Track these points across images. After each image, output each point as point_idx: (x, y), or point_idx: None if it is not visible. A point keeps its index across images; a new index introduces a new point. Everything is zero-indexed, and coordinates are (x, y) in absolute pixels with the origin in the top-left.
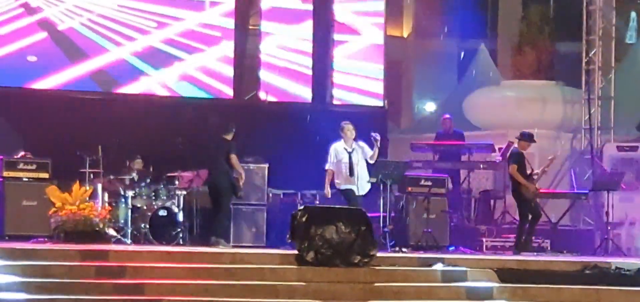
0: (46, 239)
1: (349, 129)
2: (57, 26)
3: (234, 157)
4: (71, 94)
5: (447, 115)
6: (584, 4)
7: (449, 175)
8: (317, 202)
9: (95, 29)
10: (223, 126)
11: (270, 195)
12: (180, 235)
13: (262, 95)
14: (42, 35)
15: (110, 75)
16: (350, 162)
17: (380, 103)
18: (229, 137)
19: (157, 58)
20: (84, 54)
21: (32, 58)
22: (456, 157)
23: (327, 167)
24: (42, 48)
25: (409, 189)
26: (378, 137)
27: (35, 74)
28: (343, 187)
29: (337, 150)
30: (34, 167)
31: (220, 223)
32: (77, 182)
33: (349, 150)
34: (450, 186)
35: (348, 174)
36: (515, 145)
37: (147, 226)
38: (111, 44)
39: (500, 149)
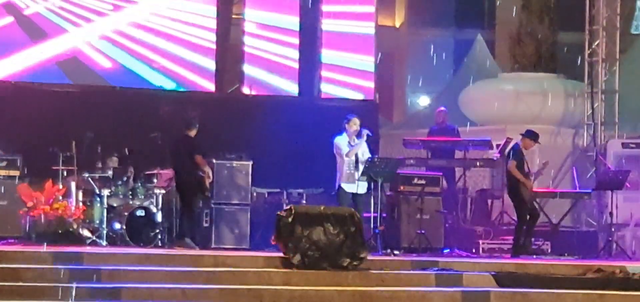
0: (17, 241)
1: (356, 123)
2: (23, 11)
3: (198, 158)
4: (42, 86)
5: (442, 108)
6: None
7: (444, 173)
8: (304, 201)
9: (65, 16)
10: (185, 121)
11: (254, 194)
12: (159, 236)
13: (246, 89)
14: (8, 20)
15: (82, 63)
16: (356, 157)
17: (371, 97)
18: (192, 133)
19: (133, 47)
20: (56, 44)
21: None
22: (450, 154)
23: (345, 154)
24: (7, 34)
25: (401, 187)
26: (370, 134)
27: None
28: (349, 189)
29: (342, 144)
30: (3, 164)
31: (186, 224)
32: (50, 180)
33: (353, 145)
34: (444, 184)
35: (354, 170)
36: (519, 141)
37: (124, 227)
38: (82, 31)
39: (498, 145)
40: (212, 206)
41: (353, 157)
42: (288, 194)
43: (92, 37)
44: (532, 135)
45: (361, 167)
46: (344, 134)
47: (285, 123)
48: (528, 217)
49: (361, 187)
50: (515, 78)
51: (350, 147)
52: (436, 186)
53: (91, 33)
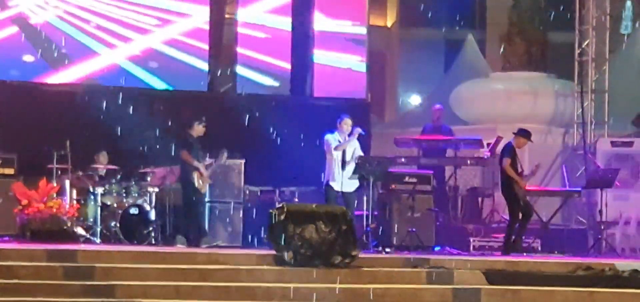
0: (11, 239)
1: (347, 123)
2: (29, 19)
3: (182, 153)
4: (37, 85)
5: (438, 106)
6: None
7: (435, 171)
8: (296, 199)
9: (67, 19)
10: (186, 119)
11: (247, 192)
12: (152, 234)
13: (238, 88)
14: (13, 29)
15: (79, 64)
16: (343, 157)
17: (362, 96)
18: (192, 131)
19: (128, 47)
20: (54, 45)
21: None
22: (442, 153)
23: (334, 148)
24: (11, 40)
25: (393, 186)
26: (363, 133)
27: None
28: (336, 187)
29: (332, 141)
30: None
31: (181, 221)
32: (44, 178)
33: (347, 141)
34: (434, 183)
35: (340, 168)
36: (512, 139)
37: (118, 225)
38: (81, 34)
39: (488, 144)
40: (206, 203)
41: (340, 154)
42: (280, 192)
43: (92, 43)
44: (524, 134)
45: (349, 166)
46: (336, 133)
47: (277, 122)
48: (521, 215)
49: (348, 185)
50: (506, 77)
51: (340, 144)
52: (427, 184)
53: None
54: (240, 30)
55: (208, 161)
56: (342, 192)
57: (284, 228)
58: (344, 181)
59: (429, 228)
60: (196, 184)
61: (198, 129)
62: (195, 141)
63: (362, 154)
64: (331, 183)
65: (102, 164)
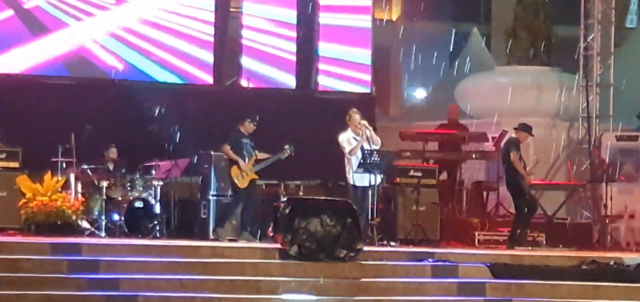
0: (16, 232)
1: (355, 119)
2: (23, 4)
3: (223, 147)
4: (42, 80)
5: (454, 104)
6: None
7: (440, 165)
8: (301, 193)
9: (65, 9)
10: (241, 116)
11: None
12: (157, 228)
13: (244, 82)
14: (8, 13)
15: (82, 57)
16: (363, 152)
17: (367, 90)
18: (241, 127)
19: (131, 40)
20: (53, 35)
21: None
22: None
23: (349, 152)
24: (7, 28)
25: (398, 180)
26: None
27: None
28: (360, 183)
29: (344, 141)
30: (3, 156)
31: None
32: (49, 172)
33: (359, 139)
34: (445, 176)
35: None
36: (514, 135)
37: (122, 218)
38: (81, 23)
39: (493, 138)
40: (210, 197)
41: (358, 153)
42: (286, 186)
43: (92, 31)
44: (525, 128)
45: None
46: (349, 130)
47: (282, 115)
48: (526, 209)
49: (366, 180)
50: (511, 71)
51: (356, 141)
52: (432, 178)
53: (91, 26)
54: (246, 22)
55: (263, 155)
56: (362, 188)
57: (289, 222)
58: (364, 176)
59: (433, 222)
60: (235, 179)
61: (248, 126)
62: (244, 137)
63: (379, 141)
64: (352, 183)
65: (111, 159)
